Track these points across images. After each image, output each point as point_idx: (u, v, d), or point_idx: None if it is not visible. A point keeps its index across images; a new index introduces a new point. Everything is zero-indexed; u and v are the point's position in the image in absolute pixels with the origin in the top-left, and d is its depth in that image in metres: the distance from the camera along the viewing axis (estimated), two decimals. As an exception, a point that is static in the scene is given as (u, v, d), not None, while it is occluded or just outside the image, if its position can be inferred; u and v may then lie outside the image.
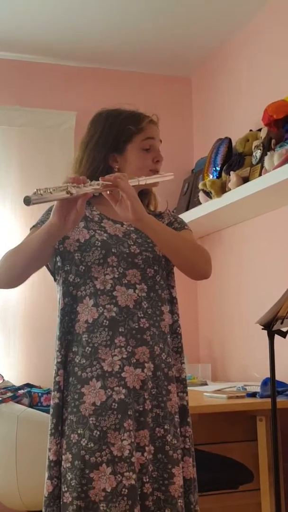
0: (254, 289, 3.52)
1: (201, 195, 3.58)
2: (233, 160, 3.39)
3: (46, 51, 3.98)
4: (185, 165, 4.16)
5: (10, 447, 2.65)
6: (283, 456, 3.04)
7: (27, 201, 1.53)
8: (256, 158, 3.21)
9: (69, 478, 1.70)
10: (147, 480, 1.72)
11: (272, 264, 3.37)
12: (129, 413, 1.71)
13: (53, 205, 1.66)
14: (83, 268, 1.81)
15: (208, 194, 3.49)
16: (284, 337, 2.31)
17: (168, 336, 1.85)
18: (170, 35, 3.84)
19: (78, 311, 1.80)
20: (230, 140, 3.60)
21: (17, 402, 2.82)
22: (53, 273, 1.89)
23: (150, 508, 1.71)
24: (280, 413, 2.85)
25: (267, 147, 3.15)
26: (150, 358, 1.77)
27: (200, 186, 3.53)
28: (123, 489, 1.66)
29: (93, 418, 1.70)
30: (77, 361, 1.77)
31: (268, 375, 2.35)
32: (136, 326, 1.77)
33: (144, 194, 2.00)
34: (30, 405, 2.87)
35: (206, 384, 3.40)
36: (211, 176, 3.54)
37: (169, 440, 1.75)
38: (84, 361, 1.75)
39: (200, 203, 3.60)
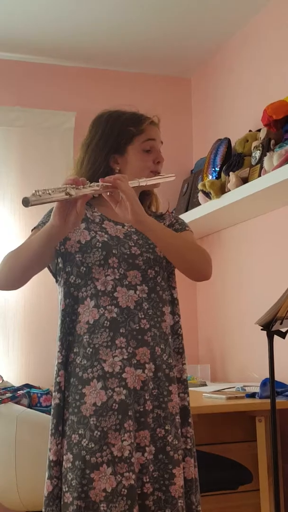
0: (254, 289, 3.52)
1: (200, 196, 3.58)
2: (233, 161, 3.39)
3: (45, 52, 3.99)
4: (185, 165, 4.16)
5: (9, 448, 2.65)
6: (283, 457, 3.04)
7: (26, 202, 1.53)
8: (256, 158, 3.21)
9: (69, 478, 1.70)
10: (148, 480, 1.72)
11: (271, 265, 3.37)
12: (129, 413, 1.71)
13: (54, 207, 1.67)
14: (84, 269, 1.81)
15: (207, 195, 3.49)
16: (284, 337, 2.31)
17: (169, 337, 1.85)
18: (169, 36, 3.84)
19: (79, 312, 1.81)
20: (229, 141, 3.60)
21: (16, 403, 2.82)
22: (54, 274, 1.89)
23: (151, 508, 1.71)
24: (279, 414, 2.85)
25: (266, 148, 3.15)
26: (151, 359, 1.77)
27: (200, 186, 3.53)
28: (123, 489, 1.67)
29: (94, 419, 1.71)
30: (78, 361, 1.77)
31: (267, 375, 2.35)
32: (137, 327, 1.78)
33: (146, 195, 2.01)
34: (29, 406, 2.87)
35: (205, 384, 3.40)
36: (210, 177, 3.54)
37: (170, 440, 1.75)
38: (85, 362, 1.76)
39: (199, 204, 3.60)
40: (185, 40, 3.89)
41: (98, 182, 1.69)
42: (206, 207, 3.51)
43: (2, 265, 1.80)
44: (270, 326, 2.27)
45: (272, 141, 3.13)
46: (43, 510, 1.77)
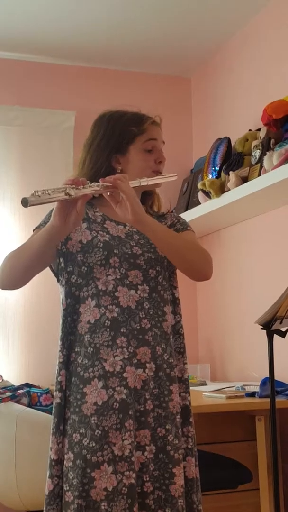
0: (253, 288, 3.52)
1: (200, 195, 3.58)
2: (232, 160, 3.39)
3: (45, 51, 3.98)
4: (185, 164, 4.16)
5: (9, 447, 2.66)
6: (282, 456, 3.04)
7: (25, 202, 1.53)
8: (255, 158, 3.21)
9: (70, 477, 1.71)
10: (148, 479, 1.73)
11: (271, 264, 3.37)
12: (130, 413, 1.72)
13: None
14: (86, 269, 1.82)
15: (207, 194, 3.49)
16: (283, 337, 2.31)
17: (171, 337, 1.86)
18: (169, 36, 3.84)
19: (81, 311, 1.81)
20: (229, 140, 3.60)
21: (16, 402, 2.82)
22: (56, 274, 1.90)
23: (151, 506, 1.72)
24: (279, 413, 2.85)
25: (266, 147, 3.15)
26: (152, 359, 1.78)
27: (199, 186, 3.53)
28: (123, 488, 1.68)
29: (95, 418, 1.71)
30: (80, 361, 1.78)
31: (267, 375, 2.35)
32: (138, 327, 1.78)
33: (148, 195, 2.01)
34: (29, 405, 2.87)
35: (205, 384, 3.41)
36: (210, 176, 3.54)
37: (170, 440, 1.76)
38: (86, 361, 1.77)
39: (199, 203, 3.60)
40: (185, 39, 3.89)
41: (99, 182, 1.69)
42: (206, 207, 3.51)
43: (4, 265, 1.80)
44: (269, 325, 2.27)
45: (272, 140, 3.13)
46: (44, 509, 1.77)
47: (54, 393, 1.81)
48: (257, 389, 2.80)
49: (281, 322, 2.28)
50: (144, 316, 1.80)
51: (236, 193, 3.22)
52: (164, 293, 1.87)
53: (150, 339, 1.79)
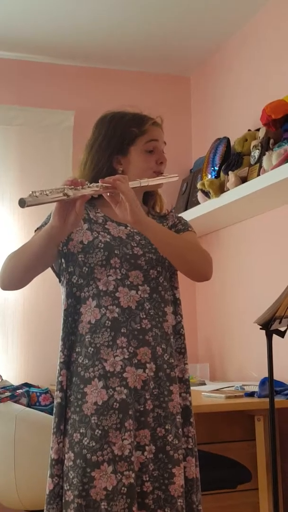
0: (253, 288, 3.52)
1: (199, 195, 3.58)
2: (232, 160, 3.39)
3: (44, 51, 3.98)
4: (184, 164, 4.16)
5: (9, 447, 2.65)
6: (281, 456, 3.04)
7: (22, 203, 1.53)
8: (255, 158, 3.21)
9: (71, 477, 1.72)
10: (147, 479, 1.73)
11: (270, 264, 3.37)
12: (130, 413, 1.72)
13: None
14: (86, 269, 1.82)
15: (206, 194, 3.49)
16: (282, 336, 2.31)
17: (171, 337, 1.86)
18: (169, 35, 3.84)
19: (82, 312, 1.82)
20: (228, 140, 3.60)
21: (16, 402, 2.82)
22: (58, 275, 1.90)
23: (150, 506, 1.72)
24: (278, 413, 2.85)
25: (265, 147, 3.15)
26: (152, 359, 1.78)
27: (199, 185, 3.53)
28: (123, 488, 1.68)
29: (95, 418, 1.72)
30: (80, 361, 1.78)
31: (266, 374, 2.35)
32: (138, 327, 1.79)
33: (150, 195, 2.02)
34: (29, 405, 2.87)
35: (204, 383, 3.41)
36: (209, 176, 3.54)
37: (170, 440, 1.76)
38: (86, 361, 1.77)
39: (198, 203, 3.61)
40: (184, 39, 3.89)
41: (98, 182, 1.70)
42: (205, 206, 3.51)
43: (5, 265, 1.81)
44: (269, 325, 2.27)
45: (271, 141, 3.13)
46: (45, 508, 1.78)
47: (55, 393, 1.81)
48: (256, 388, 2.81)
49: (280, 322, 2.28)
50: (144, 316, 1.80)
51: (235, 193, 3.22)
52: (165, 293, 1.87)
53: (151, 340, 1.79)
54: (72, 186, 1.62)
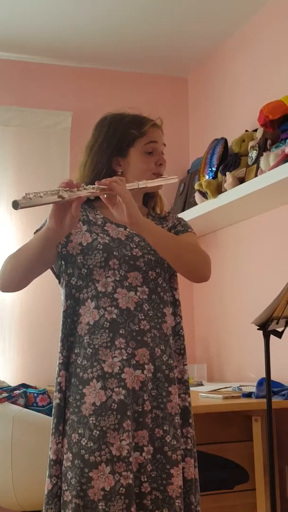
0: (250, 289, 3.52)
1: (197, 196, 3.58)
2: (229, 161, 3.39)
3: (42, 52, 3.99)
4: (181, 165, 4.17)
5: (6, 448, 2.65)
6: (279, 456, 3.05)
7: (15, 205, 1.53)
8: (252, 158, 3.21)
9: (69, 477, 1.72)
10: (146, 479, 1.73)
11: (267, 265, 3.37)
12: (128, 413, 1.73)
13: None
14: (85, 271, 1.82)
15: (204, 195, 3.49)
16: (280, 337, 2.32)
17: (170, 338, 1.86)
18: (166, 35, 3.85)
19: (81, 313, 1.82)
20: (226, 141, 3.60)
21: (13, 403, 2.82)
22: (58, 276, 1.90)
23: (148, 507, 1.73)
24: (276, 413, 2.85)
25: (263, 148, 3.15)
26: (151, 360, 1.78)
27: (196, 186, 3.53)
28: (121, 488, 1.68)
29: (93, 418, 1.72)
30: (79, 362, 1.79)
31: (263, 375, 2.35)
32: (137, 328, 1.79)
33: (150, 197, 2.02)
34: (26, 406, 2.86)
35: (201, 384, 3.41)
36: (207, 177, 3.54)
37: (168, 441, 1.76)
38: (85, 362, 1.77)
39: (196, 204, 3.61)
40: (182, 39, 3.90)
41: (94, 184, 1.70)
42: (202, 207, 3.51)
43: (4, 267, 1.82)
44: (266, 326, 2.27)
45: (269, 141, 3.13)
46: (43, 508, 1.78)
47: (54, 394, 1.82)
48: (253, 389, 2.81)
49: (277, 323, 2.29)
50: (143, 317, 1.80)
51: (232, 193, 3.23)
52: (164, 294, 1.87)
53: (149, 341, 1.79)
54: (67, 188, 1.62)
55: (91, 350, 1.77)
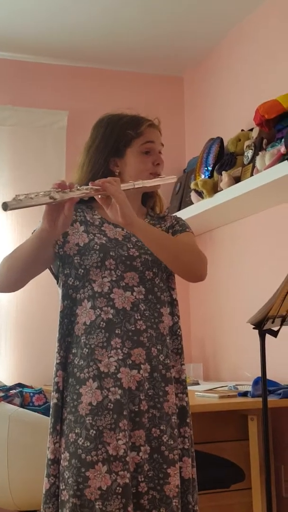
0: (246, 288, 3.53)
1: (193, 195, 3.58)
2: (225, 160, 3.39)
3: (38, 51, 3.98)
4: (177, 164, 4.16)
5: (2, 447, 2.65)
6: (274, 455, 3.05)
7: (5, 206, 1.54)
8: (248, 158, 3.21)
9: (66, 477, 1.73)
10: (142, 479, 1.74)
11: (263, 264, 3.38)
12: (124, 413, 1.73)
13: None
14: (82, 271, 1.83)
15: (200, 194, 3.50)
16: (275, 336, 2.32)
17: (167, 338, 1.86)
18: (162, 35, 3.85)
19: (78, 313, 1.83)
20: (221, 140, 3.60)
21: (9, 402, 2.81)
22: (56, 277, 1.91)
23: (146, 506, 1.73)
24: (271, 412, 2.86)
25: (258, 147, 3.15)
26: (147, 360, 1.78)
27: (192, 185, 3.53)
28: (118, 488, 1.69)
29: (90, 418, 1.73)
30: (76, 362, 1.79)
31: (259, 374, 2.35)
32: (133, 328, 1.79)
33: (149, 197, 2.02)
34: (22, 405, 2.86)
35: (198, 383, 3.41)
36: (203, 176, 3.54)
37: (165, 440, 1.76)
38: (82, 362, 1.78)
39: (192, 203, 3.61)
40: (177, 39, 3.90)
41: (88, 185, 1.70)
42: (198, 206, 3.51)
43: (0, 268, 1.82)
44: (262, 325, 2.27)
45: (264, 141, 3.14)
46: (42, 507, 1.79)
47: (51, 394, 1.82)
48: (249, 388, 2.81)
49: (273, 322, 2.29)
50: (139, 317, 1.80)
51: (228, 193, 3.23)
52: (161, 294, 1.87)
53: (145, 341, 1.79)
54: (60, 189, 1.62)
55: (87, 350, 1.78)
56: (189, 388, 3.07)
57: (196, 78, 4.23)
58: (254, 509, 2.80)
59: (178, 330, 1.90)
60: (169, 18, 3.66)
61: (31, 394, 2.94)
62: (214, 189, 3.39)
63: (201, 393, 2.89)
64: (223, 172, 3.31)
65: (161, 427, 1.77)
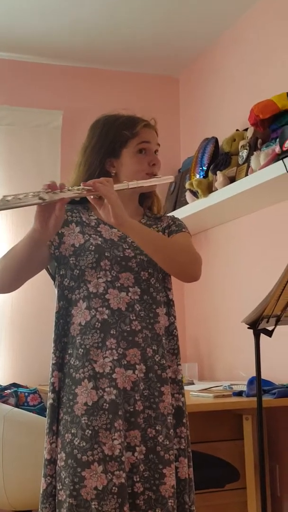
0: (240, 288, 3.53)
1: (188, 195, 3.58)
2: (220, 160, 3.40)
3: (33, 51, 3.98)
4: (172, 164, 4.17)
5: (-3, 447, 2.65)
6: (269, 455, 3.05)
7: None
8: (243, 158, 3.22)
9: (63, 477, 1.73)
10: (138, 479, 1.74)
11: (258, 263, 3.38)
12: (119, 413, 1.73)
13: None
14: (78, 272, 1.83)
15: (195, 194, 3.50)
16: (270, 336, 2.32)
17: (163, 338, 1.86)
18: (157, 35, 3.85)
19: (73, 314, 1.83)
20: (216, 140, 3.61)
21: (4, 402, 2.82)
22: (53, 277, 1.91)
23: (141, 507, 1.73)
24: (266, 412, 2.86)
25: (253, 147, 3.16)
26: (142, 360, 1.79)
27: (187, 185, 3.53)
28: (113, 488, 1.69)
29: (85, 418, 1.73)
30: (72, 362, 1.80)
31: (254, 374, 2.35)
32: (128, 329, 1.79)
33: (146, 197, 2.02)
34: (17, 405, 2.86)
35: (192, 383, 3.41)
36: (198, 176, 3.55)
37: (160, 440, 1.77)
38: (77, 362, 1.78)
39: (187, 203, 3.61)
40: (173, 39, 3.90)
41: (79, 186, 1.71)
42: (193, 206, 3.52)
43: None
44: (256, 325, 2.27)
45: (259, 141, 3.14)
46: (39, 507, 1.79)
47: (48, 394, 1.83)
48: (244, 388, 2.81)
49: (267, 321, 2.29)
50: (134, 318, 1.80)
51: (223, 193, 3.23)
52: (157, 295, 1.87)
53: (140, 341, 1.80)
54: (49, 190, 1.62)
55: (82, 351, 1.78)
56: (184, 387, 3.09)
57: (191, 78, 4.23)
58: (248, 509, 2.80)
59: (175, 331, 1.90)
60: (165, 18, 3.66)
61: (26, 394, 2.94)
62: (209, 189, 3.40)
63: (196, 393, 2.89)
64: (218, 172, 3.31)
65: (157, 428, 1.77)
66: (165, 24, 3.73)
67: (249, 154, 3.14)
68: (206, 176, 3.49)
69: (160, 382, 1.81)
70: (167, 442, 1.78)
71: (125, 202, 1.85)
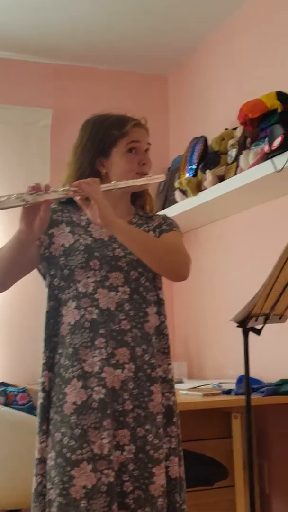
0: (229, 287, 3.54)
1: (177, 194, 3.59)
2: (209, 159, 3.40)
3: (22, 49, 3.96)
4: (161, 163, 4.16)
5: (-15, 446, 2.64)
6: (258, 453, 3.06)
7: None
8: (232, 157, 3.22)
9: (53, 476, 1.74)
10: (127, 478, 1.74)
11: (247, 262, 3.39)
12: (108, 412, 1.73)
13: None
14: (67, 272, 1.83)
15: (184, 193, 3.50)
16: (259, 334, 2.32)
17: (153, 337, 1.86)
18: (146, 34, 3.85)
19: (63, 313, 1.83)
20: (206, 139, 3.61)
21: (-7, 401, 2.81)
22: (44, 277, 1.91)
23: (131, 506, 1.73)
24: (255, 410, 2.86)
25: (242, 146, 3.17)
26: (131, 359, 1.79)
27: (176, 184, 3.54)
28: (102, 486, 1.69)
29: (74, 417, 1.73)
30: (62, 362, 1.80)
31: (243, 372, 2.36)
32: (117, 328, 1.79)
33: (138, 196, 2.02)
34: (6, 404, 2.86)
35: (181, 381, 3.42)
36: (187, 175, 3.55)
37: (150, 440, 1.77)
38: (67, 362, 1.78)
39: (176, 202, 3.61)
40: (161, 37, 3.90)
41: (66, 186, 1.71)
42: (182, 205, 3.52)
43: None
44: (245, 323, 2.28)
45: (248, 140, 3.15)
46: (31, 506, 1.80)
47: (38, 394, 1.83)
48: (233, 386, 2.82)
49: (256, 320, 2.29)
50: (124, 317, 1.81)
51: (212, 191, 3.24)
52: (147, 294, 1.87)
53: (130, 340, 1.80)
54: (33, 192, 1.62)
55: (71, 350, 1.78)
56: (173, 386, 3.09)
57: (181, 78, 4.24)
58: (237, 507, 2.81)
59: (165, 330, 1.90)
60: (153, 17, 3.66)
61: (15, 393, 2.93)
62: (198, 187, 3.40)
63: (185, 391, 2.90)
64: (207, 171, 3.31)
65: (146, 427, 1.77)
66: (154, 23, 3.73)
67: (238, 153, 3.15)
68: (195, 175, 3.50)
69: (150, 381, 1.81)
70: (157, 441, 1.78)
71: (116, 202, 1.85)
